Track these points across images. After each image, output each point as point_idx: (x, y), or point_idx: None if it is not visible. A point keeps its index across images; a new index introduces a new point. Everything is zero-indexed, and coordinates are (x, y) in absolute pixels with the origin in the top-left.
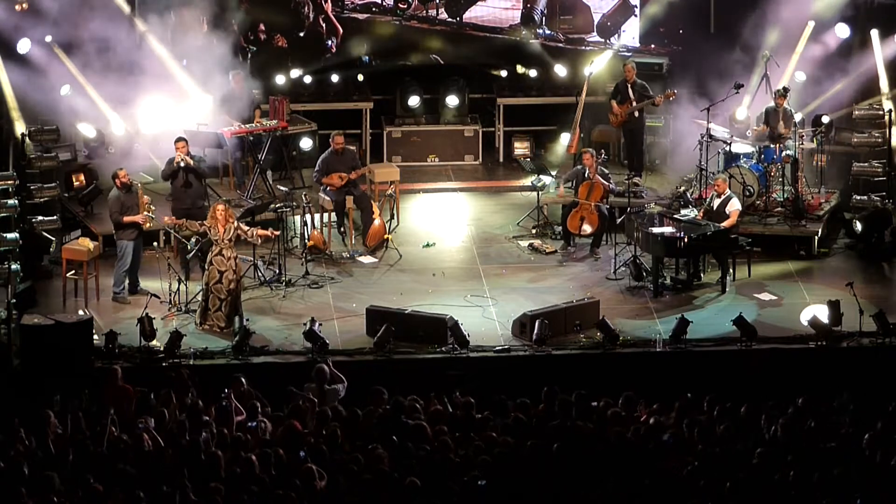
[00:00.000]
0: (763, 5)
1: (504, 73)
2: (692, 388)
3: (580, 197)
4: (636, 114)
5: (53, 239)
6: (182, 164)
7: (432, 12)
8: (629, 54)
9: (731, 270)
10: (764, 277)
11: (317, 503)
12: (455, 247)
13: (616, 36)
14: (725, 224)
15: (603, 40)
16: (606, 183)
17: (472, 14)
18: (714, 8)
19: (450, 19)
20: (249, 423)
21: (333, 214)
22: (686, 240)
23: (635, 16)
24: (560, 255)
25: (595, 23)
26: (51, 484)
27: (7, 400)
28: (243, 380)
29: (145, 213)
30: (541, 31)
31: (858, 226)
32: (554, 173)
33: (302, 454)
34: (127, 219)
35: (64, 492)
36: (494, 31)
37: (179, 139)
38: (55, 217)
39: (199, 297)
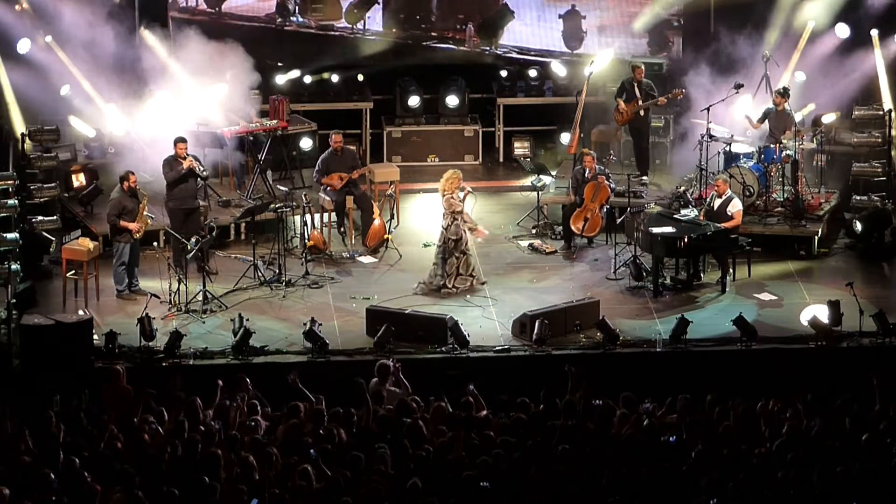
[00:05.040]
0: (763, 5)
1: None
2: (692, 388)
3: (586, 197)
4: (642, 112)
5: (53, 239)
6: (191, 170)
7: (192, 3)
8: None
9: (731, 270)
10: (764, 277)
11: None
12: None
13: (362, 23)
14: (729, 225)
15: (350, 26)
16: (608, 183)
17: (231, 4)
18: (714, 8)
19: (209, 9)
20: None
21: (333, 214)
22: (686, 240)
23: (378, 3)
24: (560, 255)
25: (343, 10)
26: (48, 483)
27: (7, 400)
28: (248, 380)
29: (140, 223)
30: (294, 18)
31: (858, 226)
32: (554, 173)
33: (313, 453)
34: (122, 223)
35: (63, 491)
36: (252, 20)
37: (181, 139)
38: (55, 217)
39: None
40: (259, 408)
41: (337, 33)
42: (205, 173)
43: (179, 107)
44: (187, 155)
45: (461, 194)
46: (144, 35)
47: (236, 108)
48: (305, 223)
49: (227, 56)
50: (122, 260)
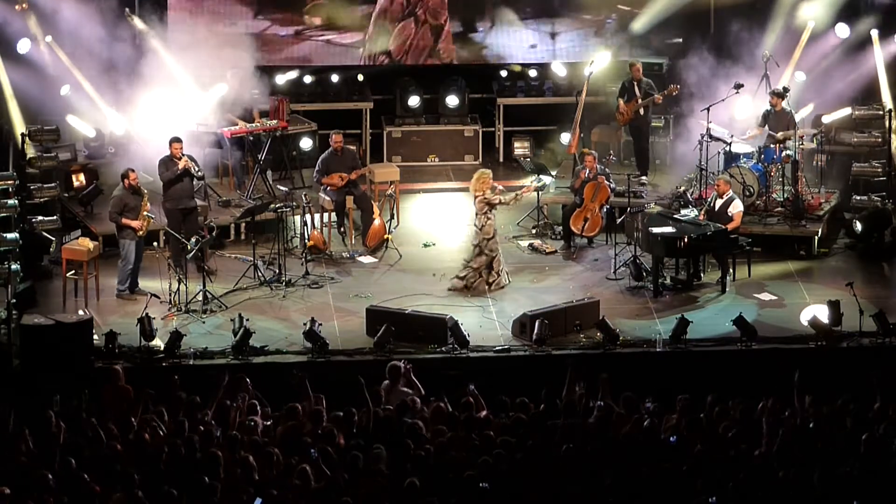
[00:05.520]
0: (763, 5)
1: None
2: (692, 388)
3: (586, 197)
4: (641, 111)
5: (53, 239)
6: (186, 169)
7: None
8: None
9: (731, 270)
10: (764, 277)
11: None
12: (455, 247)
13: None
14: (730, 226)
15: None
16: (608, 184)
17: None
18: (714, 8)
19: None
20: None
21: (333, 214)
22: (686, 240)
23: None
24: (560, 255)
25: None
26: (48, 483)
27: (7, 400)
28: (248, 380)
29: (142, 220)
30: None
31: (858, 226)
32: (554, 173)
33: (313, 453)
34: (124, 221)
35: (62, 492)
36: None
37: (176, 139)
38: (55, 217)
39: (471, 267)
40: (259, 408)
41: (314, 33)
42: (200, 173)
43: (178, 104)
44: (183, 155)
45: (491, 192)
46: (136, 22)
47: (236, 107)
48: (305, 223)
49: (222, 33)
50: (128, 260)
